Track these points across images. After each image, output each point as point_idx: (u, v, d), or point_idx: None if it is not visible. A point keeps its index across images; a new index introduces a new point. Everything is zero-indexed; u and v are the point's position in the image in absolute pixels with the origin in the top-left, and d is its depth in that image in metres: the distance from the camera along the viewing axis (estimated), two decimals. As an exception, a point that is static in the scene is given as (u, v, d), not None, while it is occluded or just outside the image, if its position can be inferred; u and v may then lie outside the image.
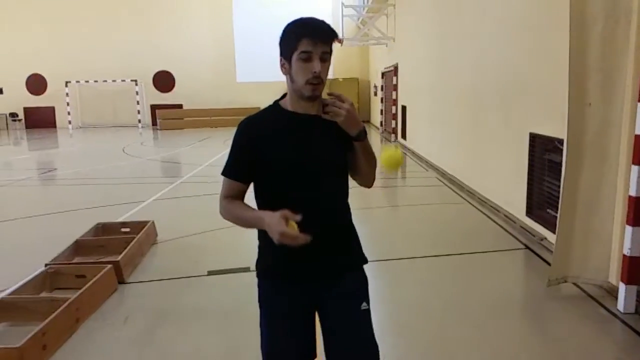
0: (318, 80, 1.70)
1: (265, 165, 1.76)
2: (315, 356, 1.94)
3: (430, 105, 11.23)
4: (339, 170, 1.86)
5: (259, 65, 25.59)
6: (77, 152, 16.59)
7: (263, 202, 1.84)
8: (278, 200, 1.75)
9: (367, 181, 1.94)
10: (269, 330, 1.91)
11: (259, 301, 1.93)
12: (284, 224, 1.59)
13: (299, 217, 1.62)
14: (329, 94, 1.74)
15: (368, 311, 1.90)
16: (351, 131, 1.76)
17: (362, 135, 1.78)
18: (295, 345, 1.89)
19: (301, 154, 1.76)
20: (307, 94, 1.72)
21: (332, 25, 1.75)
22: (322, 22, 1.73)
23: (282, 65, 1.76)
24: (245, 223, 1.80)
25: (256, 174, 1.80)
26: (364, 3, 20.55)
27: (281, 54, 1.75)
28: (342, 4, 18.44)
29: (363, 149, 1.83)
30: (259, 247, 1.91)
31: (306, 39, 1.67)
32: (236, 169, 1.82)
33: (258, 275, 1.93)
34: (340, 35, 17.85)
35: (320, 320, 1.91)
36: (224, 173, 1.83)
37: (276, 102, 1.86)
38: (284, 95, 1.85)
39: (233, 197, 1.84)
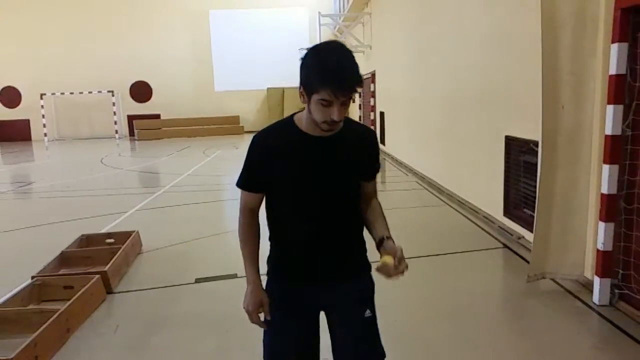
0: (335, 123, 1.68)
1: (273, 181, 1.82)
2: (318, 359, 1.99)
3: (408, 111, 11.42)
4: (346, 190, 1.87)
5: (237, 73, 25.67)
6: (55, 164, 16.39)
7: (270, 214, 1.91)
8: (284, 213, 1.85)
9: None
10: (273, 328, 1.94)
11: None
12: (257, 308, 1.86)
13: (268, 318, 1.89)
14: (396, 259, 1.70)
15: (372, 318, 1.92)
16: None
17: None
18: (297, 345, 1.94)
19: (308, 175, 1.79)
20: (324, 129, 1.71)
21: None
22: (349, 70, 1.60)
23: (300, 93, 1.70)
24: (243, 260, 1.93)
25: (266, 187, 1.87)
26: (340, 12, 20.79)
27: (301, 83, 1.67)
28: (319, 13, 18.62)
29: None
30: (270, 246, 1.97)
31: (328, 90, 1.58)
32: (249, 181, 1.88)
33: (267, 274, 1.98)
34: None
35: (328, 325, 1.96)
36: (238, 185, 1.90)
37: (292, 117, 1.84)
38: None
39: (251, 207, 1.91)
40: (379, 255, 1.78)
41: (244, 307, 1.87)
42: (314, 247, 1.86)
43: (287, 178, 1.79)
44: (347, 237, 1.92)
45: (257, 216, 1.96)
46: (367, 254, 2.01)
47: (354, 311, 1.90)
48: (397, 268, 1.68)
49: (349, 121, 1.86)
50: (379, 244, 1.81)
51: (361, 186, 1.92)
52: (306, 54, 1.67)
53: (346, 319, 1.91)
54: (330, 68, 1.59)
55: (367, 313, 1.90)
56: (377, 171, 1.97)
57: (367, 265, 1.99)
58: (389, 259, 1.70)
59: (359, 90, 1.64)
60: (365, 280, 1.97)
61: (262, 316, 1.91)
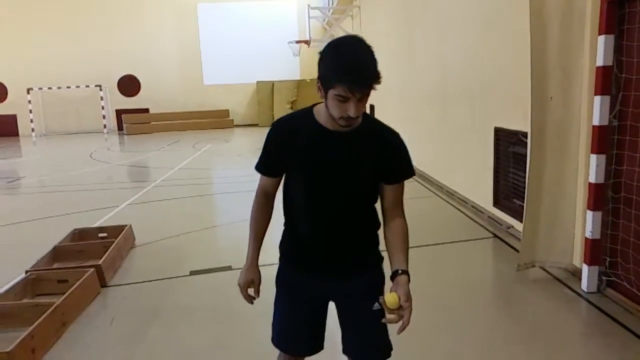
0: (352, 119, 1.65)
1: (287, 169, 1.86)
2: (322, 347, 2.03)
3: (399, 103, 11.47)
4: (359, 187, 1.84)
5: (226, 67, 25.55)
6: (43, 159, 16.25)
7: (285, 203, 1.94)
8: (296, 204, 1.88)
9: None
10: (283, 312, 2.00)
11: (277, 281, 2.02)
12: (247, 285, 1.98)
13: (257, 297, 2.02)
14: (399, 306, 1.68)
15: (380, 311, 1.86)
16: None
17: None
18: (306, 330, 1.99)
19: (322, 169, 1.78)
20: (341, 125, 1.68)
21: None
22: (365, 66, 1.57)
23: (318, 88, 1.68)
24: (248, 238, 2.02)
25: (282, 174, 1.91)
26: (329, 5, 20.77)
27: (318, 77, 1.65)
28: (308, 5, 18.60)
29: None
30: (282, 233, 2.01)
31: (344, 86, 1.55)
32: (265, 165, 1.92)
33: (280, 258, 2.02)
34: (308, 37, 18.00)
35: (337, 315, 1.99)
36: (255, 168, 1.95)
37: (312, 109, 1.83)
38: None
39: (266, 191, 1.97)
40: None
41: (239, 282, 2.00)
42: (323, 241, 1.87)
43: (301, 170, 1.81)
44: (358, 234, 1.91)
45: (272, 200, 2.00)
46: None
47: (362, 304, 1.89)
48: (398, 312, 1.69)
49: (373, 120, 1.85)
50: (393, 276, 1.78)
51: (381, 188, 1.87)
52: (324, 49, 1.64)
53: (354, 311, 1.94)
54: (346, 63, 1.56)
55: (376, 306, 1.86)
56: (402, 177, 1.87)
57: (379, 259, 1.99)
58: (393, 300, 1.69)
59: (376, 86, 1.59)
60: (375, 273, 1.97)
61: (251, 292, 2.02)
